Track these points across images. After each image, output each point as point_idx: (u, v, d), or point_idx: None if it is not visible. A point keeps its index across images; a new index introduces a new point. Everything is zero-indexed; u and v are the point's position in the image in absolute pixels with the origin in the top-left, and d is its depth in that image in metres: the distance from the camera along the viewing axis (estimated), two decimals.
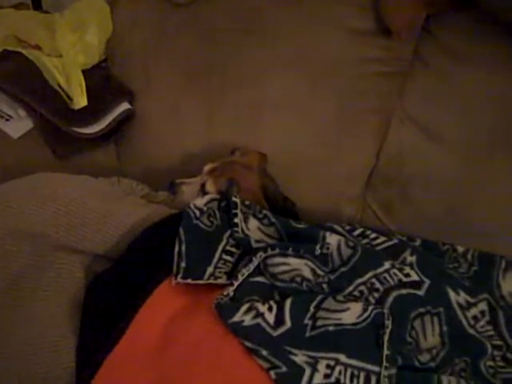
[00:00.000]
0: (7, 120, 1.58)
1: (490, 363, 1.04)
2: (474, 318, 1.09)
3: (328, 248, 1.13)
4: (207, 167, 1.38)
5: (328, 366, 0.94)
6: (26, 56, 1.56)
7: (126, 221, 1.22)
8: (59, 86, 1.56)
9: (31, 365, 1.07)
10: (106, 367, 1.01)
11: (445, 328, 1.06)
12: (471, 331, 1.07)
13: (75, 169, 1.41)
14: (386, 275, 1.10)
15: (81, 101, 1.55)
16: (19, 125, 1.59)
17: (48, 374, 1.06)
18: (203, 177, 1.36)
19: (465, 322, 1.08)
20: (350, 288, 1.09)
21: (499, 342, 1.07)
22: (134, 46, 1.71)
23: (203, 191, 1.34)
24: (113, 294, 1.12)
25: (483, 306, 1.10)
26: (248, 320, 0.99)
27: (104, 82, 1.66)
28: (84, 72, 1.60)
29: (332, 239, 1.15)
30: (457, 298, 1.09)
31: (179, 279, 1.07)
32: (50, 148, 1.61)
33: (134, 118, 1.66)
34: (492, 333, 1.09)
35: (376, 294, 1.08)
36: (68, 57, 1.58)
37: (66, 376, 1.05)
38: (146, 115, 1.66)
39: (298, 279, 1.09)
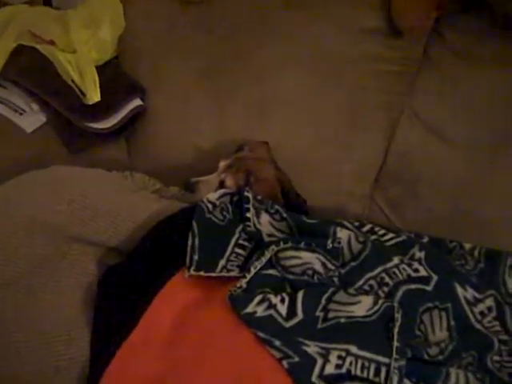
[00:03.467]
0: (21, 114, 1.58)
1: (497, 358, 1.06)
2: (481, 313, 1.11)
3: (339, 242, 1.15)
4: (222, 163, 1.40)
5: (339, 357, 0.96)
6: (40, 51, 1.57)
7: (138, 214, 1.23)
8: (73, 81, 1.57)
9: (44, 355, 1.07)
10: (119, 358, 1.03)
11: (452, 322, 1.08)
12: (478, 326, 1.09)
13: (87, 163, 1.40)
14: (395, 270, 1.12)
15: (94, 96, 1.56)
16: (32, 119, 1.60)
17: (60, 363, 1.07)
18: (220, 174, 1.38)
19: (472, 317, 1.10)
20: (360, 282, 1.11)
21: (505, 337, 1.09)
22: (145, 43, 1.72)
23: (222, 187, 1.35)
24: (126, 286, 1.13)
25: (490, 302, 1.12)
26: (261, 311, 1.01)
27: (116, 78, 1.67)
28: (96, 68, 1.62)
29: (343, 234, 1.17)
30: (464, 293, 1.11)
31: (192, 272, 1.08)
32: (63, 142, 1.62)
33: (145, 114, 1.67)
34: (499, 328, 1.10)
35: (385, 289, 1.10)
36: (82, 52, 1.59)
37: (78, 366, 1.06)
38: (157, 111, 1.68)
39: (310, 272, 1.10)
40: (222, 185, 1.37)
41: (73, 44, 1.61)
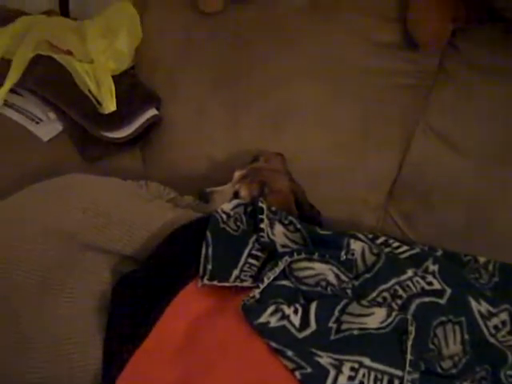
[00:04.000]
0: (37, 123, 1.60)
1: (511, 372, 1.04)
2: (495, 327, 1.10)
3: (353, 254, 1.15)
4: (237, 174, 1.40)
5: (352, 369, 0.96)
6: (57, 61, 1.59)
7: (153, 223, 1.24)
8: (89, 91, 1.58)
9: (57, 361, 1.07)
10: (132, 365, 1.03)
11: (466, 336, 1.08)
12: (492, 340, 1.08)
13: (102, 172, 1.42)
14: (408, 283, 1.12)
15: (110, 106, 1.57)
16: (49, 128, 1.61)
17: (74, 370, 1.07)
18: (234, 184, 1.38)
19: (486, 331, 1.09)
20: (374, 294, 1.11)
21: None
22: (161, 53, 1.74)
23: (237, 198, 1.35)
24: (139, 295, 1.13)
25: (504, 316, 1.12)
26: (274, 321, 1.01)
27: (132, 88, 1.68)
28: (113, 78, 1.63)
29: (356, 246, 1.17)
30: (478, 307, 1.11)
31: (205, 281, 1.09)
32: (79, 151, 1.63)
33: (161, 123, 1.68)
34: None
35: (399, 301, 1.10)
36: (99, 62, 1.61)
37: (91, 373, 1.07)
38: (172, 121, 1.69)
39: (323, 284, 1.10)
40: (236, 195, 1.37)
41: (90, 54, 1.63)
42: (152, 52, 1.74)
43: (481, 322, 1.10)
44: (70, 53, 1.64)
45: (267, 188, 1.35)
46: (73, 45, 1.66)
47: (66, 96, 1.59)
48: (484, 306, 1.11)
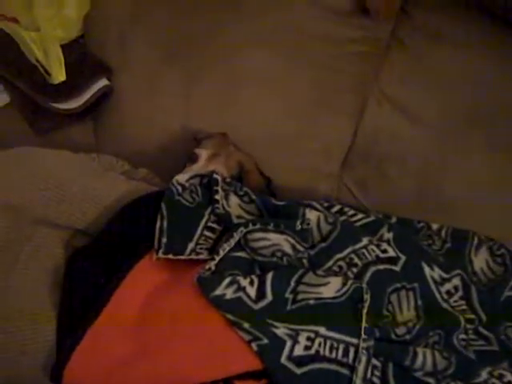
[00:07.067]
0: None
1: (463, 336, 1.07)
2: (448, 292, 1.13)
3: (308, 224, 1.15)
4: (204, 153, 1.37)
5: (308, 338, 0.97)
6: (2, 29, 1.54)
7: (106, 196, 1.22)
8: (37, 60, 1.53)
9: (9, 338, 1.06)
10: (87, 340, 1.02)
11: (420, 302, 1.10)
12: (445, 305, 1.11)
13: (52, 144, 1.38)
14: (364, 251, 1.13)
15: (59, 75, 1.53)
16: None
17: (27, 347, 1.06)
18: (207, 164, 1.35)
19: (439, 297, 1.11)
20: (330, 263, 1.12)
21: (471, 316, 1.11)
22: (111, 21, 1.68)
23: None
24: (93, 269, 1.12)
25: (457, 281, 1.14)
26: (230, 293, 1.01)
27: (82, 58, 1.63)
28: (62, 47, 1.58)
29: (312, 215, 1.17)
30: (431, 273, 1.13)
31: (160, 254, 1.08)
32: (28, 123, 1.59)
33: (113, 94, 1.64)
34: (465, 307, 1.12)
35: (354, 269, 1.11)
36: (46, 31, 1.55)
37: (45, 349, 1.06)
38: (123, 92, 1.64)
39: (279, 254, 1.10)
40: None
41: (36, 22, 1.57)
42: (102, 20, 1.68)
43: (434, 288, 1.12)
44: (15, 20, 1.59)
45: (245, 167, 1.35)
46: (18, 12, 1.59)
47: (13, 66, 1.54)
48: (437, 272, 1.13)
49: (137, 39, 1.63)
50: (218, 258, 1.07)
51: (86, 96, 1.59)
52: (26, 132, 1.59)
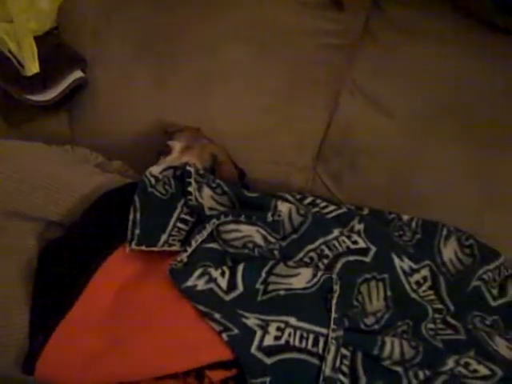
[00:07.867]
0: None
1: (431, 325, 1.09)
2: (417, 283, 1.15)
3: (279, 215, 1.17)
4: (178, 145, 1.37)
5: (278, 329, 0.98)
6: None
7: (80, 188, 1.22)
8: (10, 52, 1.53)
9: None
10: (60, 332, 1.02)
11: (389, 293, 1.12)
12: (414, 295, 1.13)
13: (27, 137, 1.38)
14: (335, 242, 1.15)
15: (33, 67, 1.52)
16: None
17: None
18: (181, 156, 1.35)
19: (408, 287, 1.13)
20: (301, 254, 1.13)
21: (440, 306, 1.13)
22: (85, 13, 1.67)
23: None
24: (66, 261, 1.12)
25: (425, 271, 1.16)
26: (201, 285, 1.02)
27: (56, 50, 1.62)
28: (36, 39, 1.57)
29: (283, 207, 1.18)
30: (401, 264, 1.15)
31: (133, 246, 1.09)
32: (1, 115, 1.59)
33: (87, 86, 1.64)
34: (433, 297, 1.14)
35: (325, 261, 1.13)
36: (19, 22, 1.54)
37: (18, 341, 1.06)
38: (98, 83, 1.64)
39: (250, 245, 1.11)
40: None
41: (9, 13, 1.56)
42: (76, 12, 1.67)
43: (403, 279, 1.13)
44: None
45: (218, 159, 1.35)
46: None
47: None
48: (406, 263, 1.15)
49: (111, 32, 1.63)
50: (190, 250, 1.08)
51: (60, 88, 1.58)
52: (0, 124, 1.59)
